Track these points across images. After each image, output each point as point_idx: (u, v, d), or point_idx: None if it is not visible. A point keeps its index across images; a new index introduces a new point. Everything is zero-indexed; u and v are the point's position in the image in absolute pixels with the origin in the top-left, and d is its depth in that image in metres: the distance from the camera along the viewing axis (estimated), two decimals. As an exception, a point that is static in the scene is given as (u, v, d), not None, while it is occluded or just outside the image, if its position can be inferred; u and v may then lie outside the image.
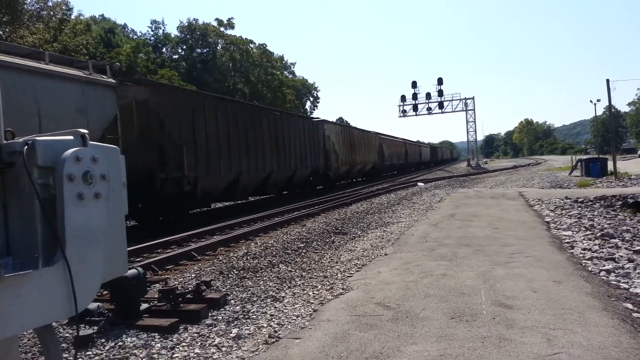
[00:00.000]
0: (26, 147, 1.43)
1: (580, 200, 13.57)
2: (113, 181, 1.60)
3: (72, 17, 40.43)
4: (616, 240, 8.10)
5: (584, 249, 7.59)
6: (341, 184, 31.68)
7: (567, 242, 8.22)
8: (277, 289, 6.21)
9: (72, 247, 1.43)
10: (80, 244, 1.46)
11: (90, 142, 1.55)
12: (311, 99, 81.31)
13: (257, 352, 4.05)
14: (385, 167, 43.07)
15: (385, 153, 42.09)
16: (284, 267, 7.49)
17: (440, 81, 62.07)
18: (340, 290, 5.78)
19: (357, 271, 6.76)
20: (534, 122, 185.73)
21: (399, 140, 52.11)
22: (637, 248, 7.40)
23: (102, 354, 4.19)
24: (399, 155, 49.28)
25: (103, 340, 4.46)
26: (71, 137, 1.54)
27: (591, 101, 63.16)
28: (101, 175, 1.54)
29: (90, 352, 4.20)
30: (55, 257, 1.41)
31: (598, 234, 8.61)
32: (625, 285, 5.59)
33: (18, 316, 1.34)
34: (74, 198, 1.44)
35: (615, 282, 5.74)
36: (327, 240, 9.89)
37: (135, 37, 60.30)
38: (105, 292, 5.71)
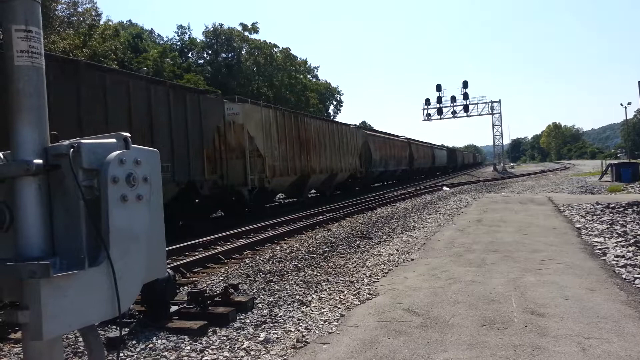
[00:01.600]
0: (72, 149, 1.45)
1: (611, 205, 13.22)
2: (154, 183, 1.62)
3: (101, 22, 41.43)
4: (651, 247, 7.85)
5: (617, 256, 7.38)
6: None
7: (599, 249, 8.01)
8: (304, 293, 6.21)
9: (115, 248, 1.45)
10: (123, 245, 1.48)
11: (133, 145, 1.58)
12: (334, 103, 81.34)
13: (285, 357, 4.05)
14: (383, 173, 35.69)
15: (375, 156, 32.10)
16: (310, 272, 7.49)
17: (465, 84, 61.39)
18: (367, 295, 5.75)
19: (384, 276, 6.71)
20: (562, 125, 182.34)
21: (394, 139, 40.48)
22: (674, 256, 7.16)
23: (133, 355, 4.25)
24: (398, 159, 38.35)
25: (134, 341, 4.52)
26: (114, 140, 1.56)
27: (621, 104, 61.55)
28: (143, 177, 1.56)
29: (122, 354, 4.26)
30: (100, 258, 1.43)
31: (631, 241, 8.36)
32: (663, 294, 5.41)
33: (65, 315, 1.36)
34: (117, 200, 1.47)
35: (651, 291, 5.56)
36: (352, 244, 9.85)
37: (161, 42, 61.38)
38: (135, 294, 5.79)
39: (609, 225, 10.35)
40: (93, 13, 39.34)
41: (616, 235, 9.13)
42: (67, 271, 1.36)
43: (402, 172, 40.68)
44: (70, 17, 36.12)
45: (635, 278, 6.09)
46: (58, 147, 1.49)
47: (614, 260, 7.18)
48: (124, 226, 1.47)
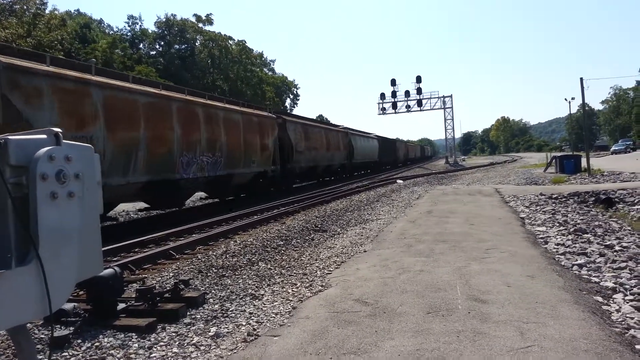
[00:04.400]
0: (-2, 146, 1.42)
1: (554, 196, 13.86)
2: (87, 180, 1.59)
3: (47, 11, 39.62)
4: (588, 235, 8.31)
5: (558, 244, 7.76)
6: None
7: (541, 238, 8.40)
8: (256, 286, 6.22)
9: (45, 247, 1.42)
10: (53, 243, 1.45)
11: (64, 141, 1.55)
12: (291, 97, 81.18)
13: (235, 351, 4.06)
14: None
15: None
16: (264, 265, 7.50)
17: (419, 79, 62.52)
18: (319, 287, 5.81)
19: (337, 268, 6.80)
20: (511, 119, 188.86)
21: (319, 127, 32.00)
22: (608, 243, 7.61)
23: (78, 354, 4.14)
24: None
25: (79, 340, 4.41)
26: (44, 136, 1.53)
27: (566, 99, 64.32)
28: (75, 174, 1.53)
29: (67, 353, 4.15)
30: (29, 257, 1.40)
31: (571, 230, 8.82)
32: (596, 279, 5.74)
33: (-10, 317, 1.33)
34: (47, 197, 1.44)
35: (586, 276, 5.89)
36: (307, 237, 9.91)
37: (111, 32, 59.35)
38: (81, 292, 5.63)
39: (551, 215, 10.86)
40: (37, 1, 37.59)
41: (557, 225, 9.59)
42: (-8, 271, 1.33)
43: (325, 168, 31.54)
44: (12, 5, 34.36)
45: (573, 265, 6.43)
46: (-17, 144, 1.45)
47: (554, 248, 7.56)
48: (54, 224, 1.44)
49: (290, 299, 5.47)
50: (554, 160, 29.88)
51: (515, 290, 5.08)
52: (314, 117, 53.12)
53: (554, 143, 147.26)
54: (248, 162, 18.73)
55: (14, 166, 1.44)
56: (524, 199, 13.97)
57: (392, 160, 58.39)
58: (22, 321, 1.45)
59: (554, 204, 12.67)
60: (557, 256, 7.00)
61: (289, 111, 68.17)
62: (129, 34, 59.55)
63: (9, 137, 1.46)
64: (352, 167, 38.48)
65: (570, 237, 8.29)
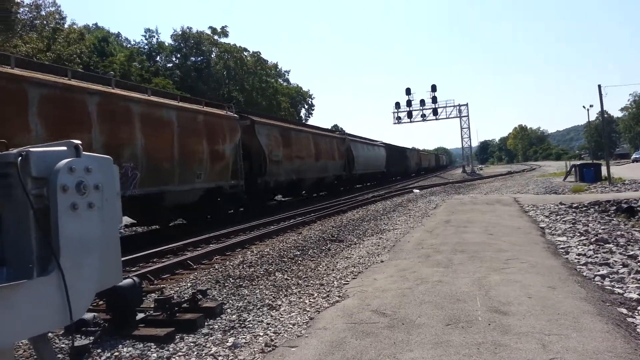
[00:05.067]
0: (20, 158, 1.44)
1: (574, 205, 13.63)
2: (107, 191, 1.61)
3: (66, 26, 40.51)
4: (610, 245, 8.14)
5: (579, 254, 7.62)
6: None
7: (562, 248, 8.25)
8: (274, 297, 6.20)
9: (66, 257, 1.44)
10: (74, 253, 1.46)
11: (84, 152, 1.57)
12: (306, 107, 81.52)
13: (253, 361, 4.04)
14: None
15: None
16: (280, 275, 7.48)
17: (434, 88, 62.34)
18: (337, 297, 5.78)
19: (354, 279, 6.75)
20: (528, 128, 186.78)
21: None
22: (631, 253, 7.45)
23: (97, 364, 4.17)
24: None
25: (99, 350, 4.44)
26: (64, 148, 1.55)
27: (584, 107, 63.64)
28: (95, 185, 1.55)
29: (86, 363, 4.17)
30: (50, 267, 1.41)
31: (592, 239, 8.65)
32: (620, 290, 5.61)
33: (12, 326, 1.34)
34: (67, 208, 1.46)
35: (609, 287, 5.76)
36: (323, 247, 9.88)
37: (129, 45, 60.38)
38: (101, 302, 5.68)
39: (571, 225, 10.67)
40: (57, 16, 38.51)
41: (578, 234, 9.42)
42: (15, 281, 1.34)
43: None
44: (33, 20, 35.25)
45: (595, 275, 6.30)
46: (6, 156, 1.47)
47: (575, 258, 7.41)
48: (74, 235, 1.46)
49: (308, 309, 5.44)
50: (573, 169, 29.46)
51: (537, 301, 4.99)
52: (329, 127, 52.21)
53: (573, 151, 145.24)
54: (189, 175, 13.93)
55: (35, 178, 1.46)
56: (544, 208, 13.76)
57: (402, 170, 53.34)
58: (44, 330, 1.46)
59: (574, 214, 12.46)
60: (579, 267, 6.86)
61: (304, 121, 68.23)
62: (146, 46, 60.53)
63: (30, 149, 1.48)
64: (351, 180, 33.00)
65: (591, 247, 8.13)
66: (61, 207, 1.43)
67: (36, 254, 1.43)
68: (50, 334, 1.84)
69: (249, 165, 18.22)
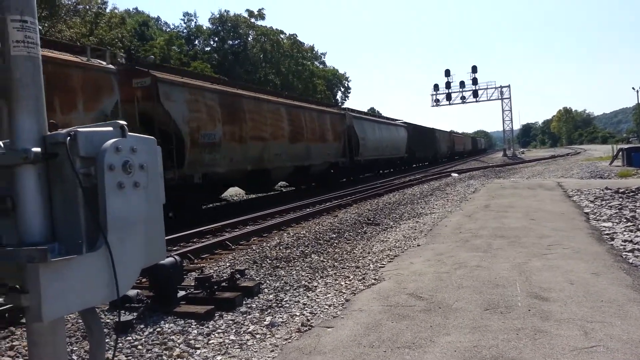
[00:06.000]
0: (69, 138, 1.49)
1: (621, 190, 13.11)
2: (151, 171, 1.65)
3: (107, 10, 41.45)
4: (659, 232, 7.81)
5: (625, 241, 7.35)
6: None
7: (607, 234, 7.97)
8: (310, 278, 6.27)
9: (113, 234, 1.49)
10: (121, 230, 1.52)
11: (129, 133, 1.61)
12: (342, 89, 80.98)
13: (290, 340, 4.11)
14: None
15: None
16: (316, 257, 7.55)
17: (474, 69, 60.79)
18: (373, 280, 5.79)
19: (390, 262, 6.74)
20: (573, 110, 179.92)
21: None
22: (682, 240, 7.12)
23: (141, 339, 4.33)
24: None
25: (142, 326, 4.61)
26: (111, 129, 1.59)
27: (633, 88, 60.77)
28: (140, 165, 1.59)
29: (131, 337, 4.34)
30: (98, 243, 1.47)
31: (640, 226, 8.31)
32: (669, 278, 5.39)
33: (64, 298, 1.41)
34: (114, 187, 1.50)
35: (658, 275, 5.55)
36: (359, 230, 9.89)
37: (168, 29, 61.30)
38: (144, 280, 5.88)
39: (617, 210, 10.28)
40: (99, 1, 39.38)
41: (625, 220, 9.07)
42: (66, 256, 1.40)
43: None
44: (76, 5, 36.18)
45: (642, 262, 6.06)
46: (55, 136, 1.53)
47: (621, 245, 7.16)
48: (121, 213, 1.51)
49: (343, 291, 5.48)
50: (620, 153, 28.27)
51: (579, 287, 4.86)
52: (365, 110, 50.69)
53: (620, 135, 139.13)
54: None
55: (83, 157, 1.51)
56: (589, 193, 13.30)
57: (430, 155, 46.32)
58: (93, 304, 1.52)
59: (620, 199, 11.98)
60: (625, 253, 6.62)
61: (340, 104, 67.45)
62: (184, 31, 61.32)
63: (79, 129, 1.53)
64: (355, 168, 25.62)
65: (639, 233, 7.82)
66: (108, 186, 1.48)
67: (85, 231, 1.48)
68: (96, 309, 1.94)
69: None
